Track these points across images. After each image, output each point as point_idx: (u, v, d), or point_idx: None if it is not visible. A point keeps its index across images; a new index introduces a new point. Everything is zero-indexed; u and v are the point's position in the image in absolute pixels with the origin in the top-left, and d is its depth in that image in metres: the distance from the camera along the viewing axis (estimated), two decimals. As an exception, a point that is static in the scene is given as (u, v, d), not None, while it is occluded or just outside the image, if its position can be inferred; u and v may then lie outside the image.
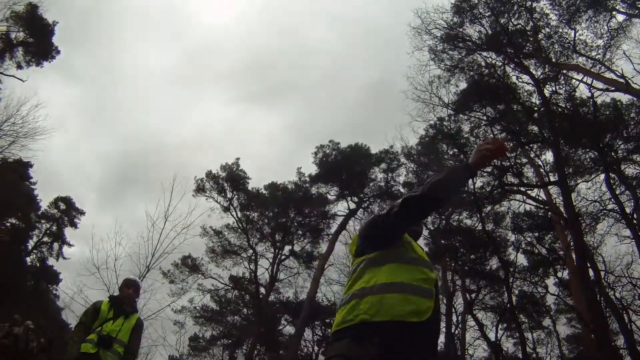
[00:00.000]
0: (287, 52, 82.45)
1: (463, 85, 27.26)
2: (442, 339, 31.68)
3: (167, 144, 70.18)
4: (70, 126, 64.77)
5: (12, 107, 28.94)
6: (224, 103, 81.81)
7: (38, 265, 40.78)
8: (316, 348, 35.66)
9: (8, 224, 37.05)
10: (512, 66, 25.49)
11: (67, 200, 42.46)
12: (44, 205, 41.48)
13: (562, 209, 23.88)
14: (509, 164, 27.08)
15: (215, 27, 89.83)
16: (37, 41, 30.53)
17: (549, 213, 26.86)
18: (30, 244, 40.26)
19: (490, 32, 25.05)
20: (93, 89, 69.33)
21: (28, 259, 39.89)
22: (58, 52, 31.74)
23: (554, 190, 25.48)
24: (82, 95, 67.81)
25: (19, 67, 30.55)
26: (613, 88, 22.52)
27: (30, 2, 29.65)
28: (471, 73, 26.81)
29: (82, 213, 43.03)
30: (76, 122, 67.08)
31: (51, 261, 41.66)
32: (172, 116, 79.14)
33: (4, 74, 30.27)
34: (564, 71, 24.26)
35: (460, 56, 26.60)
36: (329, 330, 36.61)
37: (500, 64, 25.73)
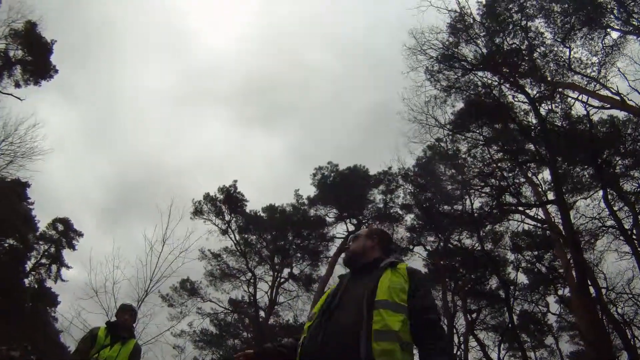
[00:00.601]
0: (287, 75, 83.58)
1: (459, 105, 27.48)
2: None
3: (167, 167, 70.53)
4: (69, 147, 65.28)
5: (10, 126, 29.01)
6: (224, 125, 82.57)
7: (36, 286, 40.34)
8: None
9: (6, 245, 36.83)
10: (507, 85, 25.68)
11: (65, 222, 42.23)
12: (42, 226, 41.34)
13: (560, 227, 23.97)
14: (506, 183, 27.33)
15: (215, 49, 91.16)
16: (35, 60, 30.64)
17: (548, 232, 26.96)
18: (29, 265, 39.98)
19: (485, 51, 25.31)
20: (93, 109, 69.91)
21: (26, 280, 39.57)
22: (56, 71, 31.88)
23: (552, 208, 25.63)
24: (81, 116, 68.59)
25: (17, 85, 30.64)
26: (609, 105, 22.69)
27: (29, 20, 29.83)
28: (467, 93, 27.06)
29: (81, 235, 42.74)
30: (75, 143, 67.61)
31: (49, 283, 41.34)
32: (172, 138, 79.87)
33: (2, 92, 30.32)
34: (560, 89, 24.48)
35: (456, 76, 26.77)
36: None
37: (496, 83, 25.97)
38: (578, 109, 24.87)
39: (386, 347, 2.92)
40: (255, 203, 37.76)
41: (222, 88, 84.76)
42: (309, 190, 38.26)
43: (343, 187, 35.36)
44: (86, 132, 70.51)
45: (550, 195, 25.80)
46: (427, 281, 3.37)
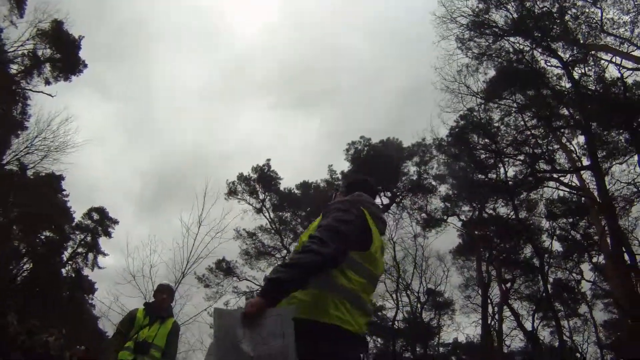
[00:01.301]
0: (319, 59, 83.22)
1: (491, 73, 27.40)
2: (478, 330, 31.86)
3: (205, 156, 71.46)
4: (108, 141, 66.70)
5: (43, 122, 30.00)
6: (260, 114, 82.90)
7: (74, 275, 41.45)
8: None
9: (43, 237, 37.97)
10: (540, 50, 25.49)
11: (100, 211, 43.19)
12: (79, 216, 42.34)
13: (595, 194, 23.77)
14: (540, 150, 27.13)
15: (247, 39, 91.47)
16: (64, 56, 31.29)
17: (582, 198, 26.72)
18: (66, 255, 41.07)
19: (516, 16, 25.07)
20: (130, 104, 71.64)
21: (64, 270, 40.76)
22: (85, 65, 32.50)
23: (587, 174, 25.35)
24: (119, 111, 70.12)
25: (47, 82, 31.35)
26: (643, 67, 22.39)
27: (55, 18, 30.44)
28: (499, 60, 26.88)
29: (116, 222, 43.68)
30: (114, 137, 69.27)
31: (86, 271, 42.40)
32: (210, 129, 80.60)
33: (33, 91, 31.21)
34: (593, 52, 24.14)
35: (487, 43, 26.67)
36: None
37: (528, 48, 25.77)
38: (612, 72, 24.45)
39: None
40: (289, 181, 38.04)
41: (256, 78, 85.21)
42: (343, 166, 38.29)
43: (376, 161, 35.22)
44: (124, 126, 72.45)
45: (585, 161, 25.54)
46: (336, 203, 3.11)
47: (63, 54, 31.18)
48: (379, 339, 37.71)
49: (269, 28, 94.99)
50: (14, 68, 30.45)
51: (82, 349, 16.80)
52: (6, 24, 28.68)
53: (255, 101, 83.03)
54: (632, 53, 22.65)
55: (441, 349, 35.85)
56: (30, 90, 31.18)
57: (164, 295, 6.75)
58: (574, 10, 24.27)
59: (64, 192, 39.27)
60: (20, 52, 30.07)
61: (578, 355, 29.57)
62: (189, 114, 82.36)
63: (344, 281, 2.77)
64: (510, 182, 28.98)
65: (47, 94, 30.92)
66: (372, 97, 74.19)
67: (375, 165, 34.73)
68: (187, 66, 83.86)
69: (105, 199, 67.16)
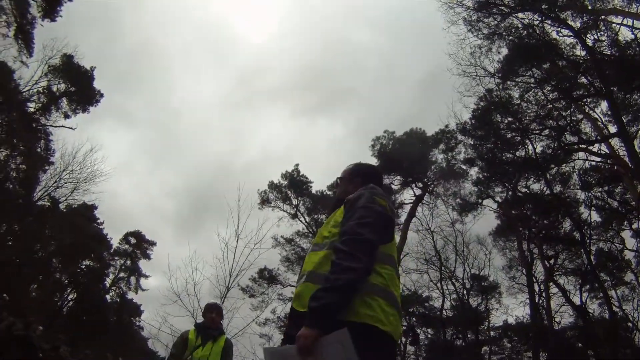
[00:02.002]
0: (337, 59, 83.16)
1: (505, 51, 27.17)
2: (527, 310, 31.56)
3: (233, 169, 72.16)
4: (136, 167, 68.09)
5: (68, 155, 31.01)
6: (284, 119, 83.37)
7: (118, 300, 42.43)
8: (403, 339, 35.92)
9: (83, 266, 38.95)
10: (549, 22, 25.21)
11: (137, 234, 44.11)
12: (116, 242, 43.29)
13: (627, 159, 23.38)
14: (565, 122, 26.78)
15: (261, 47, 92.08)
16: (79, 89, 32.03)
17: (615, 166, 26.26)
18: (108, 281, 42.04)
19: (521, -9, 24.86)
20: (153, 128, 73.17)
21: (108, 296, 41.77)
22: (102, 95, 33.24)
23: (615, 141, 24.93)
24: (143, 136, 71.52)
25: (67, 116, 32.18)
26: (655, 24, 21.96)
27: (65, 53, 31.22)
28: (510, 37, 26.65)
29: (154, 244, 44.55)
30: (142, 161, 70.69)
31: (130, 295, 43.39)
32: (235, 141, 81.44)
33: (53, 126, 32.07)
34: (603, 17, 23.77)
35: (496, 22, 26.48)
36: (413, 319, 36.91)
37: (538, 22, 25.50)
38: (625, 34, 24.02)
39: (299, 291, 2.93)
40: (320, 184, 38.18)
41: (277, 83, 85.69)
42: (370, 162, 38.26)
43: (403, 153, 35.11)
44: (150, 150, 73.68)
45: (612, 128, 25.14)
46: (358, 199, 3.05)
47: (78, 86, 31.93)
48: (428, 330, 37.69)
49: (280, 33, 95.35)
50: (31, 106, 31.36)
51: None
52: (17, 65, 29.46)
53: (275, 107, 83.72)
54: (642, 12, 22.24)
55: (492, 333, 35.51)
56: (50, 125, 32.13)
57: (212, 314, 6.87)
58: (578, -23, 23.93)
59: (99, 221, 40.32)
60: (35, 90, 30.94)
61: (629, 324, 29.02)
62: (211, 128, 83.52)
63: (375, 279, 2.80)
64: (539, 158, 28.68)
65: (68, 127, 31.89)
66: (392, 90, 73.90)
67: (402, 158, 34.70)
68: (204, 81, 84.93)
69: (141, 223, 68.26)
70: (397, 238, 35.28)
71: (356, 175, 3.59)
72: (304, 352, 2.46)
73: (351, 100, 76.14)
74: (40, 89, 30.99)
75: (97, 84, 33.15)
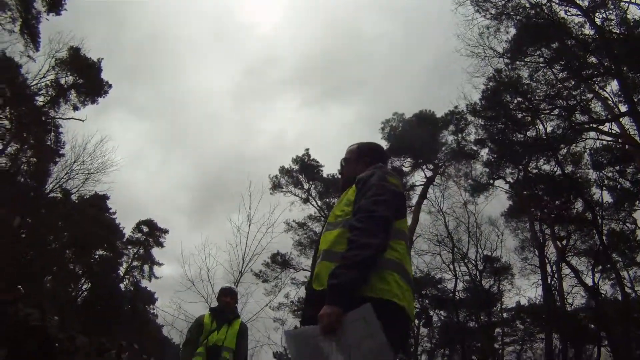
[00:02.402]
0: (347, 47, 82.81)
1: (513, 31, 26.92)
2: (539, 291, 31.52)
3: (245, 157, 72.39)
4: (149, 157, 68.53)
5: (78, 147, 30.95)
6: (295, 107, 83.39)
7: (132, 289, 43.12)
8: (416, 321, 36.07)
9: (97, 256, 39.42)
10: (557, 1, 24.85)
11: (149, 223, 44.62)
12: (128, 231, 43.80)
13: (637, 139, 23.17)
14: (575, 102, 26.52)
15: (270, 36, 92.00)
16: (86, 81, 32.15)
17: (626, 145, 26.00)
18: (122, 270, 42.69)
19: (528, -31, 24.54)
20: (164, 119, 73.34)
21: (122, 285, 42.43)
22: (110, 86, 33.44)
23: (626, 120, 24.65)
24: (155, 127, 71.86)
25: (75, 108, 32.39)
26: (664, 1, 21.59)
27: (72, 45, 31.27)
28: (518, 17, 26.35)
29: (166, 232, 44.99)
30: (154, 152, 71.21)
31: (144, 283, 44.11)
32: (247, 130, 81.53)
33: (63, 118, 32.32)
34: (611, -6, 23.42)
35: (503, 2, 26.20)
36: (426, 301, 37.03)
37: (546, 1, 25.12)
38: (634, 12, 23.72)
39: (317, 272, 2.91)
40: (331, 168, 38.20)
41: (285, 73, 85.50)
42: (381, 144, 38.15)
43: (413, 135, 35.01)
44: (162, 141, 74.61)
45: (622, 107, 24.86)
46: (370, 178, 3.04)
47: (85, 78, 32.07)
48: (441, 312, 37.83)
49: (289, 21, 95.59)
50: (40, 100, 31.46)
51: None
52: (24, 60, 29.60)
53: (286, 95, 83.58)
54: (653, -10, 21.87)
55: (504, 315, 35.60)
56: (60, 118, 32.38)
57: (227, 298, 6.94)
58: (586, -45, 23.55)
59: (111, 211, 40.78)
60: (43, 84, 31.05)
61: (642, 304, 28.92)
62: (222, 118, 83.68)
63: (390, 254, 2.81)
64: (550, 138, 28.48)
65: (78, 119, 32.10)
66: (403, 77, 73.56)
67: (412, 140, 34.58)
68: (213, 71, 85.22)
69: (154, 213, 68.91)
70: (409, 220, 35.30)
71: (362, 154, 3.61)
72: (327, 330, 2.46)
73: (362, 87, 76.19)
74: (48, 82, 31.10)
75: (105, 76, 33.39)
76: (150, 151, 71.45)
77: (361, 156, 3.58)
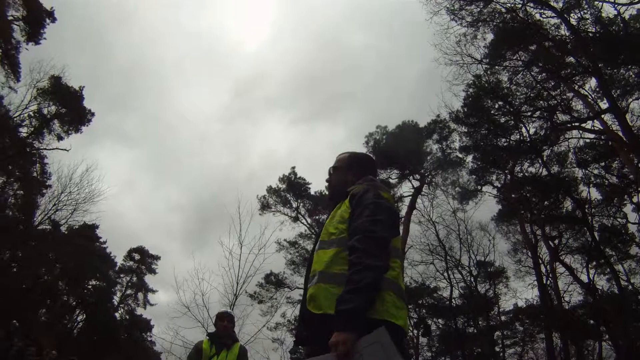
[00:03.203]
0: (332, 63, 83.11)
1: (490, 37, 27.28)
2: (535, 292, 31.75)
3: (237, 179, 71.93)
4: (140, 184, 68.45)
5: (64, 177, 31.09)
6: (284, 126, 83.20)
7: (128, 317, 42.79)
8: (415, 331, 36.15)
9: (90, 286, 39.15)
10: (531, 5, 25.29)
11: (140, 250, 44.44)
12: (120, 260, 43.57)
13: (621, 134, 23.54)
14: (555, 102, 26.95)
15: (256, 55, 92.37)
16: (69, 109, 32.09)
17: (609, 141, 26.41)
18: (116, 299, 42.38)
19: (500, -25, 25.00)
20: (152, 145, 73.27)
21: (117, 314, 42.06)
22: (92, 114, 33.26)
23: (607, 117, 25.07)
24: (143, 154, 71.75)
25: (60, 138, 32.22)
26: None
27: (53, 75, 31.26)
28: (494, 23, 26.77)
29: (158, 258, 44.90)
30: (144, 179, 71.08)
31: (139, 310, 43.79)
32: (236, 150, 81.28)
33: (47, 149, 32.13)
34: (584, -5, 23.94)
35: (478, 8, 26.55)
36: (423, 310, 37.08)
37: (520, 5, 25.57)
38: (608, 11, 24.17)
39: (313, 293, 2.87)
40: (319, 185, 38.28)
41: (272, 91, 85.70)
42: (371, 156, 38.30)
43: (398, 146, 35.13)
44: (152, 167, 74.12)
45: (603, 105, 25.30)
46: (364, 195, 3.04)
47: (68, 107, 32.00)
48: (439, 320, 37.84)
49: (274, 39, 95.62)
50: (23, 131, 31.36)
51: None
52: (6, 91, 29.63)
53: (274, 114, 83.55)
54: (624, -12, 22.41)
55: (503, 318, 35.68)
56: (45, 149, 32.18)
57: (224, 322, 6.85)
58: (556, -44, 24.06)
59: (101, 240, 40.59)
60: (26, 115, 30.93)
61: (639, 297, 29.13)
62: (211, 140, 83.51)
63: (388, 274, 2.80)
64: (533, 139, 28.88)
65: (63, 149, 31.91)
66: (390, 90, 73.67)
67: (397, 151, 34.80)
68: (200, 93, 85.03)
69: (147, 240, 68.43)
70: (400, 231, 35.36)
71: (353, 164, 3.57)
72: (344, 357, 2.42)
73: (349, 102, 76.04)
74: (30, 112, 31.05)
75: (91, 105, 33.64)
76: (140, 178, 71.12)
77: (352, 166, 3.54)
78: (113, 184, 66.78)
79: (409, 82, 67.39)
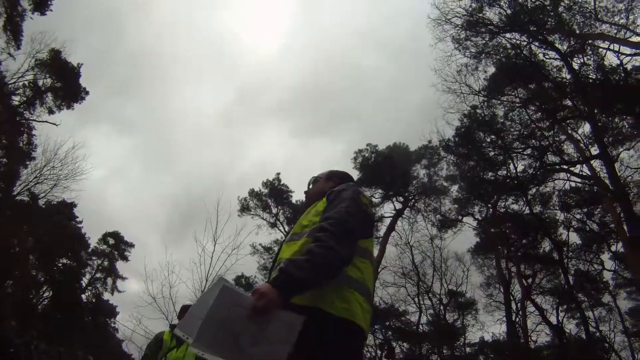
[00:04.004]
0: (339, 81, 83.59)
1: (491, 70, 27.54)
2: (503, 328, 31.89)
3: (227, 181, 72.04)
4: (130, 172, 68.36)
5: (50, 151, 30.90)
6: (281, 137, 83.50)
7: (94, 300, 42.20)
8: (378, 352, 36.03)
9: (60, 264, 38.67)
10: (537, 44, 25.58)
11: (115, 235, 43.96)
12: (94, 242, 43.15)
13: (607, 182, 23.84)
14: (547, 142, 27.26)
15: (264, 62, 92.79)
16: (65, 85, 31.83)
17: (595, 187, 26.77)
18: (85, 281, 41.82)
19: (510, 12, 25.29)
20: (149, 135, 73.35)
21: (84, 296, 41.48)
22: (87, 92, 33.00)
23: (597, 163, 25.37)
24: (138, 143, 71.59)
25: (51, 112, 31.89)
26: (641, 51, 22.51)
27: (53, 48, 31.05)
28: (497, 57, 27.07)
29: (132, 246, 44.40)
30: (135, 168, 71.06)
31: (107, 296, 43.21)
32: (231, 153, 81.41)
33: (37, 121, 31.81)
34: (590, 41, 24.24)
35: (484, 41, 26.80)
36: (390, 333, 37.03)
37: (525, 43, 25.90)
38: (611, 59, 24.49)
39: (273, 278, 2.63)
40: (302, 194, 38.27)
41: (275, 101, 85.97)
42: (352, 174, 38.40)
43: (385, 167, 35.38)
44: (144, 157, 74.37)
45: (593, 150, 25.66)
46: (343, 191, 3.02)
47: (63, 82, 31.73)
48: (404, 344, 37.79)
49: (284, 49, 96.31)
50: (15, 100, 31.11)
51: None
52: (4, 57, 29.35)
53: (273, 124, 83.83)
54: (630, 39, 22.78)
55: (468, 349, 35.77)
56: (34, 120, 31.88)
57: None
58: (566, 1, 24.41)
59: (77, 219, 40.08)
60: (20, 84, 30.74)
61: (606, 345, 29.46)
62: (208, 139, 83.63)
63: (354, 272, 2.76)
64: (520, 177, 29.16)
65: (52, 123, 31.64)
66: (392, 114, 74.09)
67: (384, 171, 34.96)
68: (203, 91, 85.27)
69: (128, 229, 68.23)
70: (376, 251, 35.47)
71: (332, 176, 3.59)
72: (258, 310, 2.34)
73: (349, 122, 76.38)
74: (26, 82, 30.80)
75: (90, 85, 33.24)
76: (132, 167, 71.34)
77: (331, 177, 3.56)
78: (98, 165, 66.65)
79: (410, 110, 67.79)
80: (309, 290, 2.53)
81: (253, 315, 2.33)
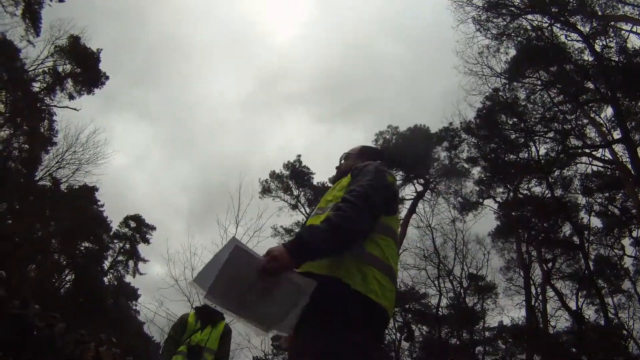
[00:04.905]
0: (361, 67, 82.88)
1: (513, 52, 27.27)
2: (522, 312, 31.69)
3: (249, 168, 72.97)
4: (152, 160, 68.96)
5: (71, 136, 31.12)
6: (303, 124, 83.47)
7: (116, 283, 43.00)
8: (398, 334, 36.14)
9: (82, 248, 39.28)
10: (559, 26, 25.25)
11: (137, 218, 44.56)
12: (116, 226, 43.73)
13: (629, 166, 23.50)
14: (570, 126, 26.90)
15: (285, 50, 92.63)
16: (84, 70, 32.14)
17: (617, 172, 26.38)
18: (106, 264, 42.53)
19: (531, -8, 24.93)
20: (171, 123, 73.78)
21: (105, 279, 42.24)
22: (107, 77, 33.36)
23: (619, 147, 25.01)
24: (160, 130, 72.37)
25: (71, 97, 32.28)
26: (664, 33, 22.04)
27: (72, 34, 31.30)
28: (519, 38, 26.75)
29: (153, 228, 44.94)
30: (158, 155, 71.82)
31: (128, 278, 43.97)
32: (253, 140, 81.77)
33: (58, 106, 32.18)
34: (612, 23, 23.83)
35: (505, 22, 26.56)
36: (409, 315, 37.10)
37: (547, 25, 25.53)
38: (634, 41, 24.06)
39: None
40: (323, 176, 38.28)
41: (296, 88, 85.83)
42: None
43: (406, 148, 35.08)
44: (167, 145, 74.98)
45: (616, 134, 25.27)
46: (367, 166, 2.99)
47: (83, 68, 32.07)
48: (424, 327, 37.82)
49: (305, 37, 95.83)
50: (36, 86, 31.41)
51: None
52: (24, 44, 29.62)
53: (295, 109, 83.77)
54: (652, 20, 22.30)
55: (487, 334, 35.62)
56: (55, 106, 32.28)
57: None
58: (588, -19, 23.97)
59: (99, 203, 40.62)
60: (40, 70, 31.05)
61: (625, 332, 29.12)
62: (229, 127, 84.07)
63: (373, 249, 2.74)
64: (542, 160, 28.85)
65: (72, 109, 32.08)
66: (413, 102, 73.50)
67: (405, 153, 34.71)
68: (224, 79, 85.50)
69: (150, 214, 69.27)
70: (397, 231, 35.31)
71: (364, 154, 3.55)
72: (269, 272, 2.36)
73: (372, 108, 75.87)
74: (45, 68, 31.08)
75: (113, 74, 33.89)
76: (155, 154, 72.11)
77: (362, 155, 3.53)
78: (121, 152, 67.33)
79: (432, 98, 67.27)
80: (322, 257, 2.56)
81: (262, 275, 2.37)
